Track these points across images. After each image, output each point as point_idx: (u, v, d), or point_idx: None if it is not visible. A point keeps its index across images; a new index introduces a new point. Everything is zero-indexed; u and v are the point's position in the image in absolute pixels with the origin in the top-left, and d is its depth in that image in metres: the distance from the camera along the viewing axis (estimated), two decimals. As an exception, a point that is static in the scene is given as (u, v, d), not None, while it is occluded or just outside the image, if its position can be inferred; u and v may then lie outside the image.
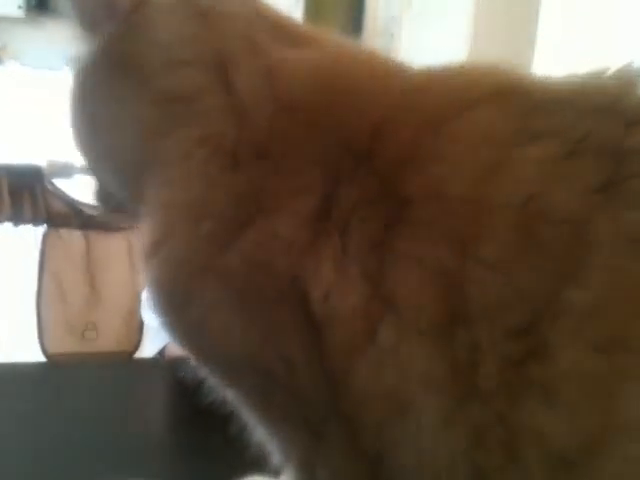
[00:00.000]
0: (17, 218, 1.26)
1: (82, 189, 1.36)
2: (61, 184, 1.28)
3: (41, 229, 1.29)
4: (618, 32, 1.39)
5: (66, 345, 1.31)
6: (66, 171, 1.26)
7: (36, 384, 0.84)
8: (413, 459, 0.31)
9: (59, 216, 1.28)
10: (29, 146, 2.24)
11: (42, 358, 1.30)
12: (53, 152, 1.33)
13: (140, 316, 1.38)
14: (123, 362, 1.06)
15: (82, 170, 1.35)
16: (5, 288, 1.33)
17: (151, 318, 1.06)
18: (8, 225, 1.28)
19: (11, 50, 4.95)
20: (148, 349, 1.18)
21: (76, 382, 0.86)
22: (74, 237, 1.30)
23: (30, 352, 1.32)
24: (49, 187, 1.26)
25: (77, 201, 1.30)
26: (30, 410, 0.76)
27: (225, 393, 0.39)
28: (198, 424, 0.76)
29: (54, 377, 0.89)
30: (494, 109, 0.33)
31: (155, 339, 1.05)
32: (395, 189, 0.33)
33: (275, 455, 0.38)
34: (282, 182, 0.35)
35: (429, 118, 0.34)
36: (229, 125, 0.37)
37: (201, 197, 0.36)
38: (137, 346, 1.37)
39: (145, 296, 1.00)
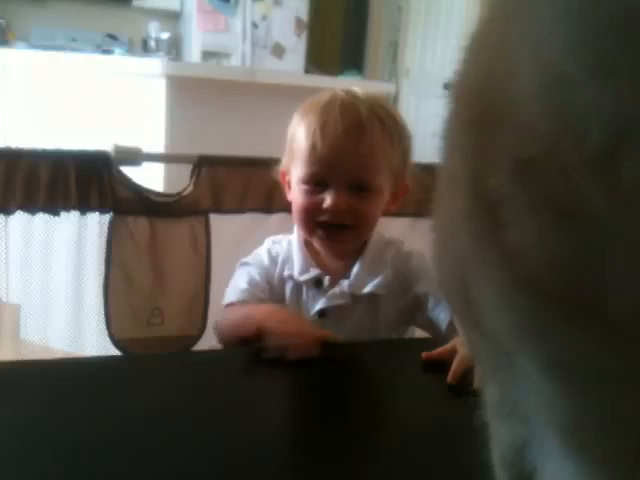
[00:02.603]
0: (84, 206, 1.25)
1: (147, 175, 1.35)
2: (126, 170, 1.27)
3: (107, 217, 1.28)
4: None
5: (132, 331, 1.32)
6: (133, 157, 1.25)
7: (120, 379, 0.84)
8: None
9: (125, 203, 1.27)
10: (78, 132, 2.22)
11: (109, 344, 1.31)
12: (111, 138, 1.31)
13: (204, 301, 1.38)
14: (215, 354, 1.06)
15: (150, 157, 1.34)
16: (72, 276, 1.33)
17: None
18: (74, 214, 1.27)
19: (17, 30, 4.89)
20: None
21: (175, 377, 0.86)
22: (139, 224, 1.30)
23: (97, 338, 1.32)
24: (115, 174, 1.25)
25: (143, 187, 1.29)
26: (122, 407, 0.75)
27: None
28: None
29: (133, 371, 0.89)
30: None
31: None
32: None
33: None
34: None
35: None
36: None
37: None
38: (201, 331, 1.37)
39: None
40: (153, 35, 4.64)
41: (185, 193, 1.32)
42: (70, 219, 1.26)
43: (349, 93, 1.04)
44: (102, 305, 1.29)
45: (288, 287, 1.08)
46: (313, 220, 1.01)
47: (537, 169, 0.24)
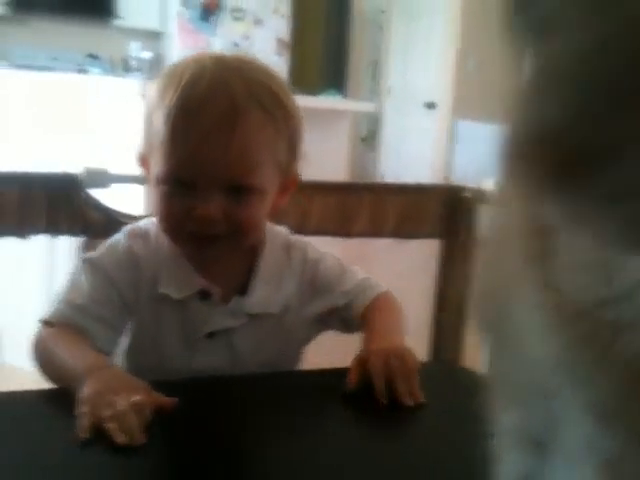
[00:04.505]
0: (53, 230, 1.22)
1: (118, 198, 1.33)
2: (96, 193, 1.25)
3: (76, 240, 1.25)
4: None
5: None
6: (103, 180, 1.23)
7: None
8: None
9: (96, 226, 1.24)
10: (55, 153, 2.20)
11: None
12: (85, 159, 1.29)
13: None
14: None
15: (119, 178, 1.31)
16: (46, 299, 1.30)
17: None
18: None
19: (-3, 50, 4.87)
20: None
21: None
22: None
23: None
24: (85, 197, 1.23)
25: (114, 210, 1.27)
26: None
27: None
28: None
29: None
30: None
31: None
32: None
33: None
34: None
35: None
36: None
37: None
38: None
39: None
40: (134, 55, 4.63)
41: (156, 215, 1.30)
42: (41, 243, 1.24)
43: (220, 62, 0.81)
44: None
45: (163, 306, 0.85)
46: (179, 230, 0.81)
47: None
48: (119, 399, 0.66)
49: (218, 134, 0.76)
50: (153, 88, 0.82)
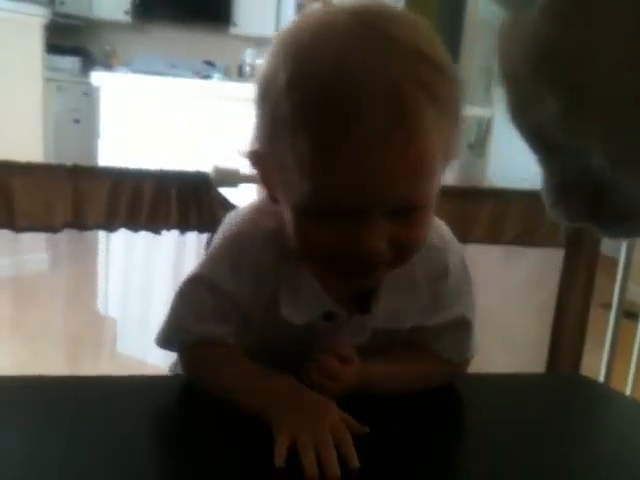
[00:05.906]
0: (183, 225, 1.28)
1: (246, 197, 1.37)
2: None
3: (205, 236, 1.30)
4: None
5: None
6: (232, 179, 1.27)
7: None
8: None
9: (223, 223, 1.29)
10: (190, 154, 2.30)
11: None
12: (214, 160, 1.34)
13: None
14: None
15: (248, 178, 1.35)
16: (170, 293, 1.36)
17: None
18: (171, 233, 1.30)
19: (120, 56, 5.15)
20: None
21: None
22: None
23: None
24: (214, 195, 1.27)
25: (240, 208, 1.31)
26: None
27: None
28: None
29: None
30: None
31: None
32: None
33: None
34: None
35: None
36: None
37: None
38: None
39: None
40: (248, 61, 4.76)
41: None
42: (170, 238, 1.29)
43: (365, 40, 0.57)
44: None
45: (281, 323, 0.71)
46: (329, 262, 0.64)
47: None
48: (317, 425, 0.62)
49: (385, 142, 0.55)
50: (268, 66, 0.62)
